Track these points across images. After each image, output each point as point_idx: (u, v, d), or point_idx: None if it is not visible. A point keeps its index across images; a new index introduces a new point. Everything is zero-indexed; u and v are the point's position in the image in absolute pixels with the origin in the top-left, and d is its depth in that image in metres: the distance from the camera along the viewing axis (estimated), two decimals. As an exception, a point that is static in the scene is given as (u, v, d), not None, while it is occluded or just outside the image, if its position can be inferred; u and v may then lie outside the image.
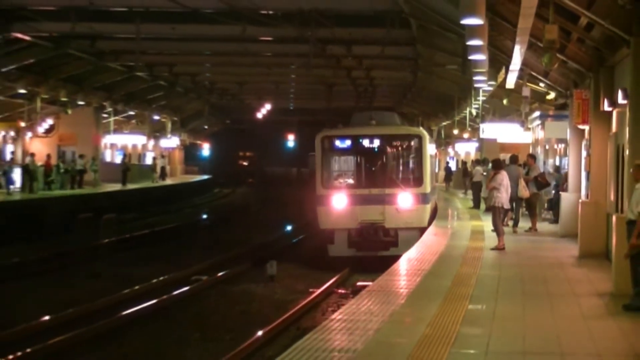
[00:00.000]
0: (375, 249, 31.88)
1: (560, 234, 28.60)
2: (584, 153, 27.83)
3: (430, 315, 14.73)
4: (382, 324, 14.02)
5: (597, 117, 24.32)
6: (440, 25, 34.25)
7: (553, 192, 33.27)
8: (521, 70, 29.67)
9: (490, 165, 33.08)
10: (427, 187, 33.05)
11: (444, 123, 70.39)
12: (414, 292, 17.51)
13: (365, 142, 33.28)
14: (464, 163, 67.21)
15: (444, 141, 78.31)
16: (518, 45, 23.19)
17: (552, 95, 34.74)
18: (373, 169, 33.26)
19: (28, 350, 17.94)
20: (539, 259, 23.32)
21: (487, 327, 13.98)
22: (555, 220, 31.82)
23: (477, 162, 48.48)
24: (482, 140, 53.79)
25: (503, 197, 25.48)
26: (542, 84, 33.97)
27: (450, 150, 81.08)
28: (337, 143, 33.34)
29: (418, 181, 32.88)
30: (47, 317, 21.58)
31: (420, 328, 13.67)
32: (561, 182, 31.91)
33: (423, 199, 32.65)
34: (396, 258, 23.48)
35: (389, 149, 33.45)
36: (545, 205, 34.99)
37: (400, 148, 33.70)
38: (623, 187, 20.19)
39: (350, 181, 33.26)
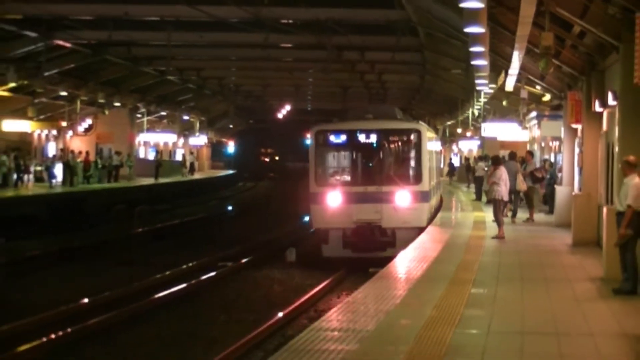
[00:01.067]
0: (371, 249, 27.90)
1: (555, 224, 28.51)
2: (576, 150, 27.80)
3: (436, 299, 14.72)
4: (392, 307, 14.01)
5: (589, 117, 24.26)
6: (446, 33, 34.20)
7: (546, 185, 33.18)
8: (519, 74, 29.61)
9: (490, 161, 32.88)
10: (426, 184, 29.00)
11: (449, 122, 70.34)
12: (421, 277, 17.49)
13: (361, 137, 28.96)
14: (467, 159, 67.13)
15: (449, 139, 78.24)
16: (517, 51, 23.15)
17: (547, 97, 34.69)
18: (369, 165, 29.08)
19: (69, 329, 18.00)
20: (536, 246, 23.27)
21: (489, 309, 13.97)
22: (550, 211, 31.74)
23: (479, 158, 48.39)
24: (483, 138, 53.72)
25: (503, 190, 25.38)
26: (538, 87, 33.92)
27: (454, 147, 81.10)
28: (332, 138, 29.21)
29: (417, 178, 28.73)
30: (85, 300, 21.64)
31: (427, 310, 13.66)
32: (555, 176, 31.82)
33: (422, 197, 28.60)
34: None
35: (386, 144, 29.22)
36: (542, 198, 34.89)
37: (398, 143, 29.67)
38: (613, 181, 20.13)
39: (346, 178, 29.28)
